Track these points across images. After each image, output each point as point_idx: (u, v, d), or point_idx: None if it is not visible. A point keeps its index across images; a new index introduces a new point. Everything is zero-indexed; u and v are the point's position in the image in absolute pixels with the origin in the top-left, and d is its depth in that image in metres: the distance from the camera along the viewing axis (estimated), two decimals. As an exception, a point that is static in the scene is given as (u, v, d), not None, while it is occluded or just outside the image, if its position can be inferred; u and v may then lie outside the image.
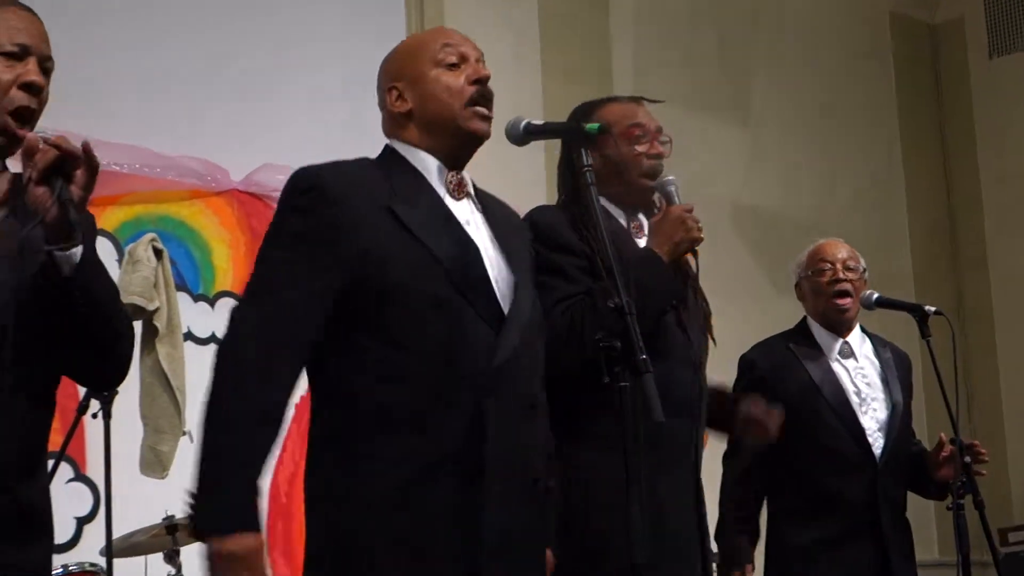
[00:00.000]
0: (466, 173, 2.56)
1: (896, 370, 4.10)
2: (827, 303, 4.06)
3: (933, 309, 4.13)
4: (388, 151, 2.55)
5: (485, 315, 2.39)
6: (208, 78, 5.08)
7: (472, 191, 2.55)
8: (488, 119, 2.51)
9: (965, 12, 8.08)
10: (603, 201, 3.00)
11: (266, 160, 5.12)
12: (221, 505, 2.23)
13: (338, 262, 2.33)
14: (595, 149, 2.97)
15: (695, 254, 3.01)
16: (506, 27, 5.99)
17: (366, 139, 5.17)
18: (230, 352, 2.30)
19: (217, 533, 2.20)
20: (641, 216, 3.13)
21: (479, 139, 2.53)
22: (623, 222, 3.09)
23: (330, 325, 2.36)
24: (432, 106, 2.51)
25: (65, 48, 4.70)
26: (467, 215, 2.50)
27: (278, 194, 5.03)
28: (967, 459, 3.93)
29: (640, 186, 3.07)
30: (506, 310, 2.42)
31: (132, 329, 2.46)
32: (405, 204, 2.40)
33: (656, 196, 3.10)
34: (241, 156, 5.09)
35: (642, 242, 3.06)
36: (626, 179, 3.05)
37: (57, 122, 4.61)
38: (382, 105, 2.59)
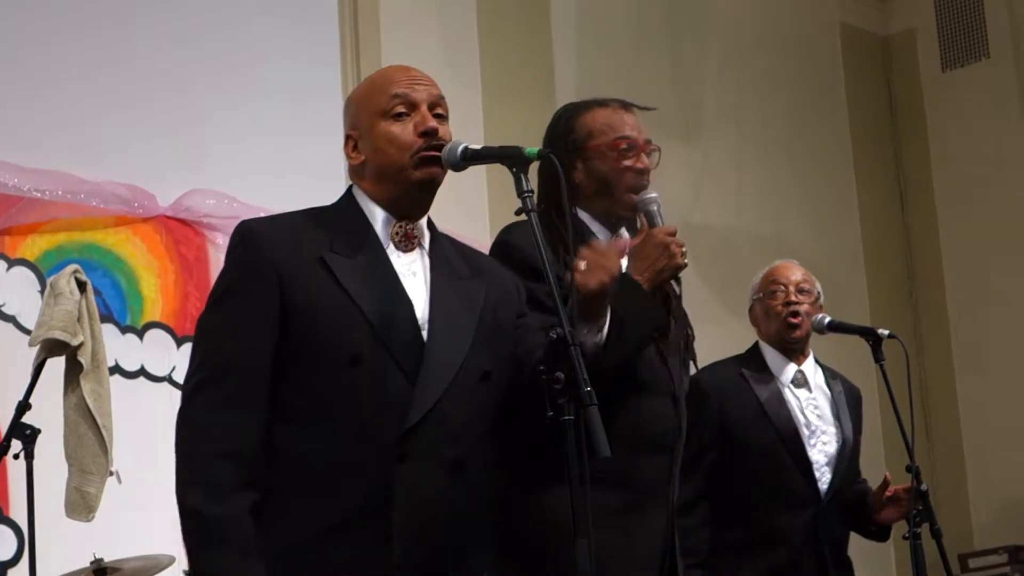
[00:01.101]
0: (424, 222, 2.50)
1: (847, 404, 4.01)
2: (778, 326, 3.97)
3: (887, 332, 4.07)
4: (346, 196, 2.52)
5: (410, 373, 2.33)
6: (134, 100, 4.94)
7: (426, 242, 2.49)
8: (435, 162, 2.44)
9: (917, 24, 8.03)
10: (585, 217, 2.96)
11: (195, 184, 5.01)
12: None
13: (270, 314, 2.33)
14: (580, 160, 2.94)
15: (678, 280, 2.89)
16: (444, 45, 5.86)
17: (297, 161, 5.13)
18: (190, 435, 2.32)
19: None
20: (624, 232, 3.01)
21: (429, 184, 2.46)
22: (605, 240, 2.96)
23: None
24: (380, 159, 2.46)
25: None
26: (413, 268, 2.44)
27: (208, 220, 5.02)
28: (923, 486, 3.85)
29: (625, 202, 2.95)
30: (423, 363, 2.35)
31: None
32: (340, 255, 2.37)
33: (637, 215, 2.98)
34: (169, 181, 4.96)
35: (624, 262, 2.92)
36: (611, 195, 2.95)
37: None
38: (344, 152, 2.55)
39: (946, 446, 7.58)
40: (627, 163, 2.94)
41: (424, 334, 2.37)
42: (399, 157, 2.44)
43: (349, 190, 2.53)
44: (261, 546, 2.27)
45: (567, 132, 3.00)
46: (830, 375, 4.09)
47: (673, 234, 2.85)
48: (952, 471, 7.50)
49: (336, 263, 2.36)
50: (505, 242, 2.85)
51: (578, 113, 3.03)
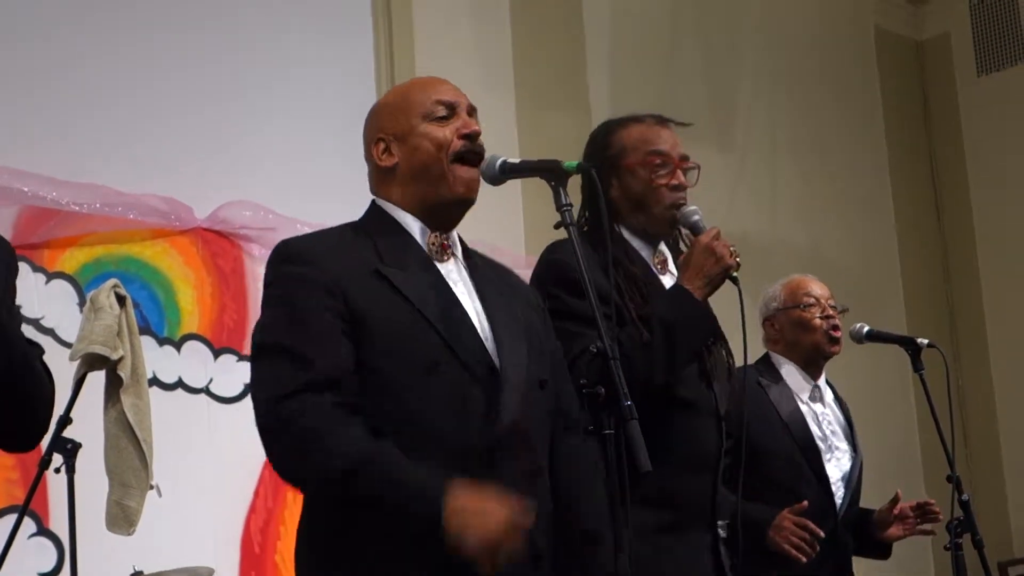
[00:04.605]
0: (455, 233, 2.51)
1: (849, 423, 4.01)
2: (819, 339, 3.94)
3: (926, 342, 4.06)
4: (373, 209, 2.51)
5: (482, 381, 2.33)
6: (171, 114, 4.95)
7: (459, 252, 2.50)
8: (473, 163, 2.46)
9: (952, 29, 7.98)
10: (626, 233, 2.95)
11: (231, 196, 5.00)
12: (411, 496, 2.21)
13: (343, 318, 2.31)
14: (615, 178, 2.93)
15: (735, 280, 2.85)
16: (478, 51, 5.86)
17: (333, 172, 5.14)
18: (284, 425, 2.26)
19: (435, 512, 2.17)
20: (664, 249, 3.00)
21: (464, 203, 2.48)
22: (646, 256, 2.97)
23: None
24: (419, 157, 2.46)
25: (21, 84, 4.64)
26: (452, 277, 2.45)
27: (245, 231, 5.04)
28: (964, 496, 3.84)
29: (662, 218, 2.94)
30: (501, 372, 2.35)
31: (47, 390, 2.38)
32: (394, 267, 2.37)
33: (682, 231, 2.98)
34: (205, 193, 4.95)
35: (665, 279, 2.94)
36: (646, 212, 2.94)
37: (15, 160, 4.54)
38: (368, 158, 2.54)
39: (984, 454, 7.52)
40: (661, 181, 2.93)
41: (487, 344, 2.37)
42: (440, 156, 2.45)
43: (374, 204, 2.53)
44: (341, 552, 2.28)
45: (603, 149, 3.00)
46: (835, 392, 4.07)
47: (717, 236, 2.84)
48: (990, 479, 7.43)
49: (394, 276, 2.36)
50: (554, 260, 2.84)
51: (613, 130, 3.02)
